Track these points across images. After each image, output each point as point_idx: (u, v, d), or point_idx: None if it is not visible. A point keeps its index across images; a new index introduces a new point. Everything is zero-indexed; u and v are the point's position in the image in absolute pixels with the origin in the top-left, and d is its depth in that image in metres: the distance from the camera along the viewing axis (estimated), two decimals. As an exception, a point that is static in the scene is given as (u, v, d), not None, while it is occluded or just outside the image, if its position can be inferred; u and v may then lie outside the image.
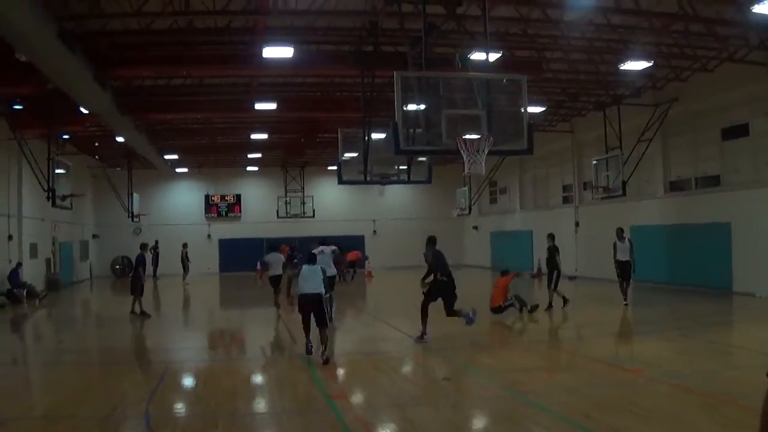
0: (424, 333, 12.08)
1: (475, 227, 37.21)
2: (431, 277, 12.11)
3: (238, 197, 37.34)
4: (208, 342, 13.63)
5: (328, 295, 12.17)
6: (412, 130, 11.88)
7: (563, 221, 27.06)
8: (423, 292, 12.19)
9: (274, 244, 19.06)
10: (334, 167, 22.71)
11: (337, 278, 20.27)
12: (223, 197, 37.21)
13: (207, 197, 37.14)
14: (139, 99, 19.97)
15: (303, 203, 36.50)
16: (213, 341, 13.64)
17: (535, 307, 15.62)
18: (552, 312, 15.71)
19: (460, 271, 31.99)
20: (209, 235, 36.93)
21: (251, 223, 36.85)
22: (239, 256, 36.05)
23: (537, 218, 30.04)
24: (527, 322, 14.68)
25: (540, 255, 29.39)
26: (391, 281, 29.00)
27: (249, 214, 37.26)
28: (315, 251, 15.01)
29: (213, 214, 37.17)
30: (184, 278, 28.72)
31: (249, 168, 36.56)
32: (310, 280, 10.84)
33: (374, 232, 37.91)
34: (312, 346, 10.81)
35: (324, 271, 11.17)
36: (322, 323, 10.75)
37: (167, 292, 25.85)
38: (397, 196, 37.58)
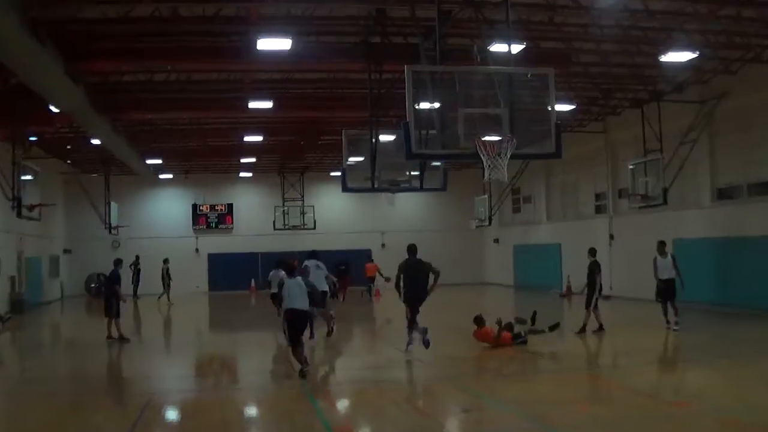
0: (410, 342, 13.71)
1: (496, 240, 37.23)
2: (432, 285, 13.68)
3: (230, 207, 37.48)
4: (195, 369, 13.66)
5: (318, 310, 14.71)
6: (425, 132, 11.88)
7: (596, 233, 27.05)
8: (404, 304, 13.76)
9: (281, 260, 18.93)
10: (338, 173, 22.66)
11: (333, 296, 21.11)
12: (212, 207, 37.34)
13: (195, 207, 37.20)
14: (117, 96, 19.93)
15: (303, 213, 36.81)
16: (201, 369, 13.64)
17: (555, 326, 15.48)
18: (585, 336, 15.68)
19: (479, 289, 31.86)
20: (197, 250, 37.03)
21: (245, 235, 37.04)
22: (231, 273, 36.37)
23: (566, 230, 30.14)
24: (554, 344, 14.65)
25: (569, 271, 29.87)
26: (396, 300, 28.67)
27: (242, 225, 37.45)
28: (308, 264, 16.17)
29: (201, 226, 37.28)
30: (161, 297, 28.89)
31: (242, 174, 36.64)
32: (299, 294, 11.64)
33: (383, 245, 37.67)
34: (307, 367, 11.58)
35: (307, 284, 11.95)
36: (307, 336, 12.18)
37: (149, 313, 25.86)
38: (408, 206, 37.56)
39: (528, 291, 31.80)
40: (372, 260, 30.47)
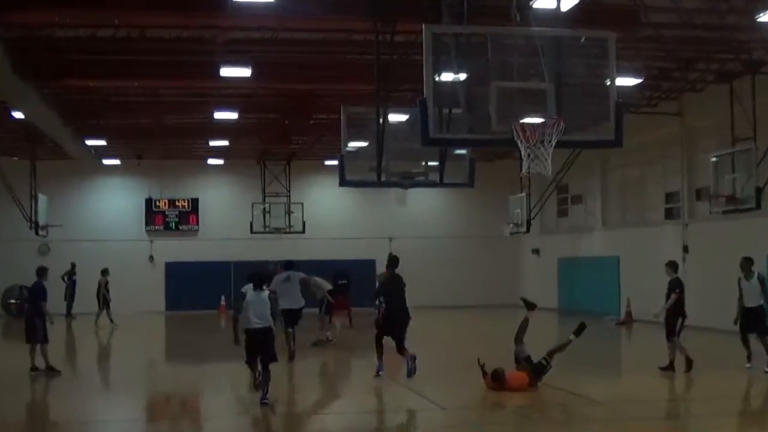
0: (379, 369, 15.30)
1: (536, 251, 37.58)
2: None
3: (195, 203, 37.85)
4: (146, 412, 13.79)
5: (290, 329, 17.54)
6: (447, 111, 11.89)
7: (665, 244, 27.08)
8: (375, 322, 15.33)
9: (289, 262, 19.87)
10: (334, 162, 22.68)
11: (325, 314, 22.39)
12: (172, 203, 37.64)
13: (149, 202, 37.49)
14: (47, 56, 19.90)
15: (288, 213, 36.80)
16: (154, 411, 13.77)
17: (580, 329, 15.21)
18: (673, 375, 15.75)
19: (512, 313, 32.13)
20: (151, 257, 37.36)
21: (213, 240, 37.34)
22: (195, 288, 36.33)
23: (626, 239, 30.38)
24: (604, 384, 14.80)
25: (630, 291, 29.88)
26: (414, 327, 28.90)
27: (211, 227, 37.76)
28: (280, 277, 17.88)
29: (157, 227, 37.56)
30: (99, 318, 29.20)
31: (211, 161, 37.19)
32: (259, 309, 12.74)
33: (390, 255, 37.82)
34: (266, 396, 12.72)
35: (275, 301, 13.19)
36: (269, 360, 12.87)
37: (86, 338, 25.99)
38: (423, 206, 37.77)
39: (575, 317, 31.25)
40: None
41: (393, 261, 15.81)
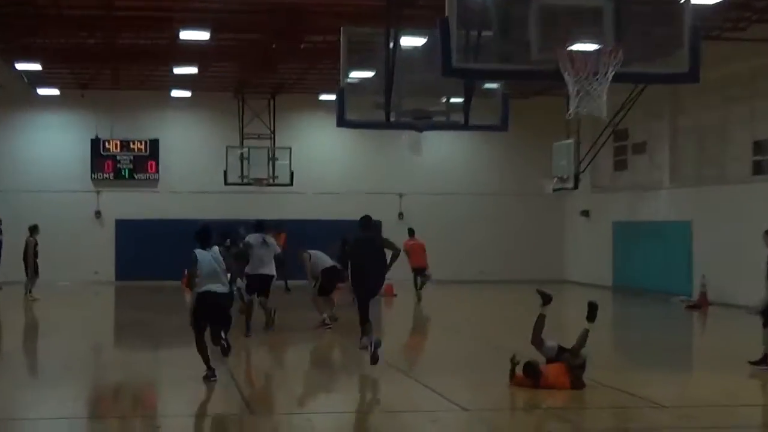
0: (367, 344, 16.15)
1: (585, 213, 38.10)
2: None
3: (155, 146, 38.17)
4: (89, 407, 13.89)
5: (261, 297, 20.16)
6: (474, 34, 11.80)
7: (753, 206, 27.24)
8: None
9: (260, 222, 21.64)
10: (331, 96, 22.53)
11: (322, 293, 22.72)
12: (125, 145, 37.95)
13: (96, 144, 37.79)
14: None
15: (272, 160, 37.04)
16: (98, 407, 13.88)
17: (592, 311, 15.15)
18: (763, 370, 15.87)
19: (553, 291, 32.26)
20: (98, 213, 37.82)
21: (178, 193, 37.83)
22: (154, 252, 36.55)
23: (702, 200, 30.60)
24: (667, 382, 14.80)
25: (706, 267, 29.66)
26: (429, 305, 29.73)
27: (173, 176, 38.17)
28: (250, 240, 20.09)
29: (106, 175, 37.87)
30: (29, 289, 29.78)
31: (176, 93, 37.41)
32: (214, 271, 14.04)
33: (400, 215, 38.42)
34: (214, 374, 14.31)
35: (220, 262, 14.33)
36: (223, 332, 14.50)
37: (13, 313, 26.35)
38: (443, 154, 37.94)
39: (635, 297, 32.60)
40: (414, 236, 31.18)
41: (363, 222, 16.63)
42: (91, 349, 20.46)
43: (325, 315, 21.89)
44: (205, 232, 14.43)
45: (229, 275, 14.68)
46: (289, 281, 28.56)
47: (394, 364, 17.16)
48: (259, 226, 20.98)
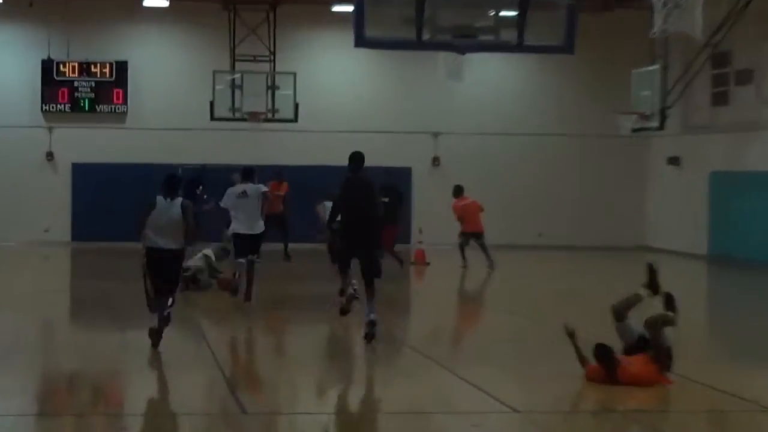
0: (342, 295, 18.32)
1: (675, 160, 38.34)
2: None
3: (122, 70, 38.36)
4: (37, 403, 13.87)
5: (249, 258, 20.93)
6: None
7: None
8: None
9: (248, 169, 22.72)
10: (347, 7, 22.42)
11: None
12: (85, 68, 38.14)
13: (48, 67, 37.91)
14: None
15: (272, 89, 36.67)
16: (50, 401, 13.94)
17: (652, 277, 15.22)
18: None
19: (632, 261, 32.38)
20: (50, 155, 38.19)
21: (151, 130, 38.15)
22: (120, 206, 35.87)
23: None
24: None
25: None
26: (471, 277, 30.27)
27: (146, 109, 38.53)
28: (236, 191, 21.36)
29: (61, 106, 38.09)
30: None
31: (149, 2, 37.62)
32: (167, 224, 15.63)
33: (435, 161, 39.25)
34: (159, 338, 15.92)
35: (187, 210, 15.76)
36: (170, 292, 15.91)
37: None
38: (490, 83, 38.65)
39: (737, 270, 33.12)
40: (462, 192, 31.45)
41: (353, 159, 17.31)
42: (41, 328, 20.52)
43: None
44: (170, 182, 15.69)
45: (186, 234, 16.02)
46: (290, 246, 28.69)
47: (426, 351, 17.17)
48: (248, 174, 21.91)
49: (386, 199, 27.89)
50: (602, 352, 13.90)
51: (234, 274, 21.65)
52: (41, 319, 21.58)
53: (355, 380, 15.78)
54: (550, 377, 14.56)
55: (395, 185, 29.93)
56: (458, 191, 31.48)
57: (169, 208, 15.45)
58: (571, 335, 14.24)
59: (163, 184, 15.72)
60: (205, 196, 27.15)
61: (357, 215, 16.91)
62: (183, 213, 15.63)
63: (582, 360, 14.16)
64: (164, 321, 16.04)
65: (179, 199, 15.63)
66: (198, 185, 23.75)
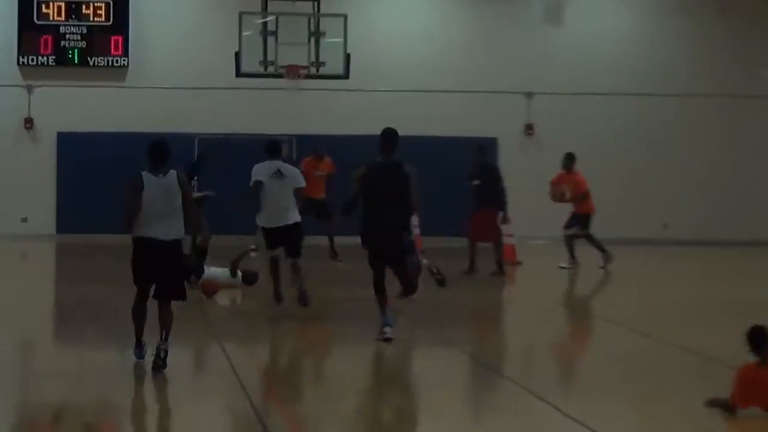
0: (384, 324, 18.46)
1: None
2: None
3: (122, 11, 39.00)
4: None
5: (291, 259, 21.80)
6: None
7: None
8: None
9: (273, 143, 23.13)
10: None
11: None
12: (74, 8, 38.80)
13: (26, 4, 38.74)
14: None
15: (314, 37, 35.53)
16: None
17: None
18: None
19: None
20: (28, 122, 39.09)
21: (158, 90, 38.76)
22: (117, 189, 36.97)
23: None
24: None
25: None
26: (577, 280, 30.89)
27: (152, 63, 39.18)
28: (268, 169, 21.80)
29: (42, 58, 38.95)
30: None
31: None
32: (163, 208, 15.54)
33: (527, 129, 39.66)
34: (142, 351, 16.24)
35: (186, 186, 15.88)
36: (172, 294, 16.05)
37: None
38: (599, 28, 39.77)
39: None
40: (574, 167, 31.67)
41: (385, 138, 18.24)
42: (17, 348, 20.45)
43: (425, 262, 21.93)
44: (157, 151, 15.36)
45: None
46: (335, 239, 28.57)
47: (520, 379, 17.11)
48: (274, 149, 22.10)
49: (477, 182, 28.21)
50: (761, 336, 13.63)
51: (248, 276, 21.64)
52: (17, 336, 21.39)
53: (428, 417, 15.14)
54: (683, 415, 14.32)
55: (487, 161, 30.67)
56: (568, 161, 31.59)
57: (163, 186, 15.10)
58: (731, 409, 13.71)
59: (149, 156, 15.31)
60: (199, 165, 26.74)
61: (385, 211, 17.29)
62: (182, 190, 15.41)
63: (728, 406, 13.63)
64: (162, 354, 15.84)
65: (173, 172, 15.25)
66: (195, 173, 23.40)
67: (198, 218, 16.29)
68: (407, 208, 17.27)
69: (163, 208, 14.83)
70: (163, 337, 15.37)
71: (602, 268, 30.32)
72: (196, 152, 33.28)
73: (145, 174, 14.92)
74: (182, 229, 15.27)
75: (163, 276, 15.32)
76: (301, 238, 21.51)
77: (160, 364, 15.06)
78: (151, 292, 16.25)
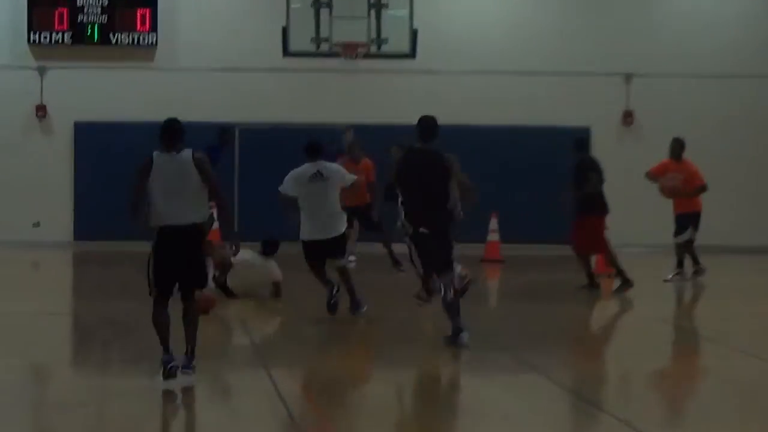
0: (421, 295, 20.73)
1: None
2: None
3: None
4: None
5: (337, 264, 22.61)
6: None
7: None
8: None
9: (313, 142, 24.05)
10: None
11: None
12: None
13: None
14: None
15: (376, 8, 36.34)
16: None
17: None
18: None
19: None
20: (41, 110, 39.65)
21: (191, 71, 39.76)
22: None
23: None
24: None
25: None
26: (686, 293, 31.88)
27: (184, 40, 40.39)
28: (303, 173, 23.41)
29: (57, 35, 39.65)
30: None
31: None
32: (176, 188, 16.22)
33: (626, 117, 39.95)
34: (175, 366, 16.22)
35: (204, 165, 16.34)
36: (195, 281, 16.81)
37: None
38: (717, 1, 39.16)
39: None
40: (683, 156, 32.14)
41: (422, 126, 19.46)
42: (29, 376, 20.46)
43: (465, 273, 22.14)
44: (170, 129, 16.14)
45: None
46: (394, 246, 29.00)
47: (621, 413, 17.21)
48: (315, 150, 23.00)
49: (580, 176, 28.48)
50: None
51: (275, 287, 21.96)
52: (30, 359, 21.49)
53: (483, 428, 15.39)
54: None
55: (584, 159, 31.29)
56: (677, 148, 32.33)
57: (176, 165, 15.44)
58: None
59: (162, 134, 15.84)
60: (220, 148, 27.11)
61: (427, 198, 18.51)
62: (199, 169, 15.57)
63: None
64: (191, 328, 16.70)
65: (188, 151, 15.57)
66: (215, 158, 23.65)
67: (221, 194, 16.35)
68: (444, 199, 18.11)
69: (175, 189, 15.41)
70: (188, 351, 16.26)
71: (695, 277, 31.28)
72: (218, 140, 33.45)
73: (156, 153, 15.61)
74: (201, 213, 16.01)
75: (185, 265, 15.93)
76: (346, 241, 21.91)
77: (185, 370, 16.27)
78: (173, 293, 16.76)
